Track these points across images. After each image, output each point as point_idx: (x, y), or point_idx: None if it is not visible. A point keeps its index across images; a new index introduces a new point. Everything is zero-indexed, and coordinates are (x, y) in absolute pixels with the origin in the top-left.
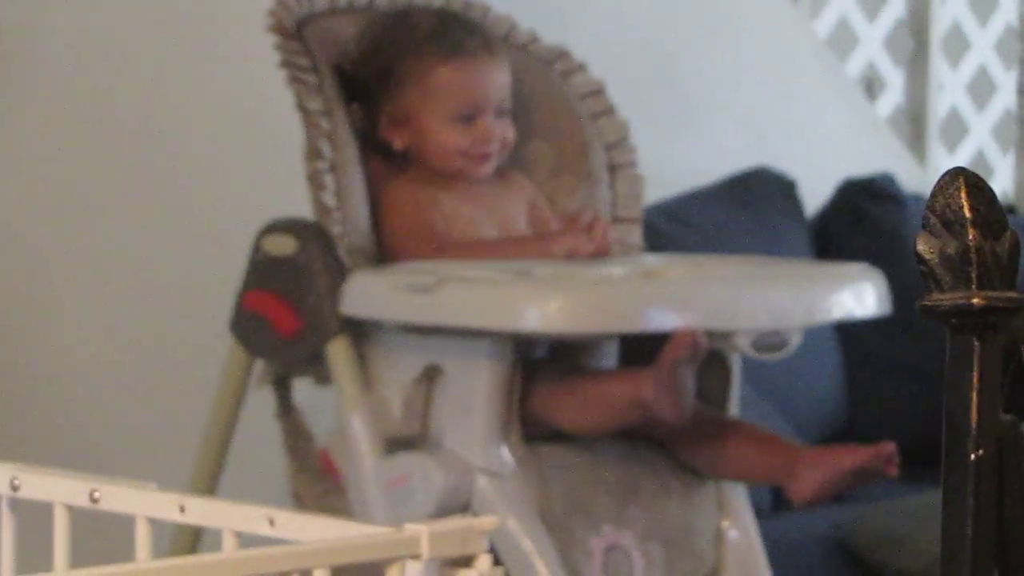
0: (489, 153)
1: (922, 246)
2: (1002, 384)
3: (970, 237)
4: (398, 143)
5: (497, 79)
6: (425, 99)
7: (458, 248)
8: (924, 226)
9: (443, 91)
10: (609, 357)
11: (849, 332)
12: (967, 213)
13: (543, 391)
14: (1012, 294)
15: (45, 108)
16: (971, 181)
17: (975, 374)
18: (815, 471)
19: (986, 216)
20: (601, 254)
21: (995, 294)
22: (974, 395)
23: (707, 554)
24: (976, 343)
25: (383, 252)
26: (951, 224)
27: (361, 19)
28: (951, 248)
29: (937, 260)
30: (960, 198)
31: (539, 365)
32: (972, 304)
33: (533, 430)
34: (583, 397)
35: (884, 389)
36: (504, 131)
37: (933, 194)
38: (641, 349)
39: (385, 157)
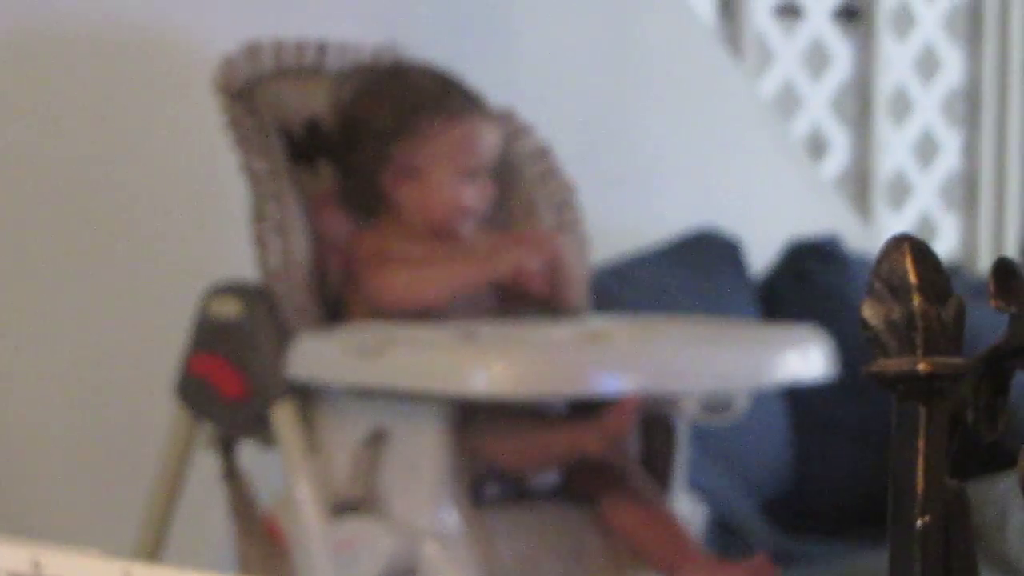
0: (482, 209)
1: (868, 312)
2: (948, 450)
3: (915, 303)
4: (400, 195)
5: (495, 140)
6: (438, 156)
7: (408, 265)
8: (869, 292)
9: (455, 149)
10: (558, 409)
11: (796, 394)
12: (912, 279)
13: (484, 428)
14: (958, 360)
15: None
16: (916, 247)
17: (921, 440)
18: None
19: (931, 282)
20: (551, 262)
21: (941, 360)
22: (920, 460)
23: None
24: (922, 409)
25: (328, 309)
26: (896, 290)
27: (314, 81)
28: (896, 314)
29: (883, 326)
30: (905, 264)
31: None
32: (918, 370)
33: (477, 477)
34: (524, 442)
35: (831, 450)
36: (493, 189)
37: (878, 260)
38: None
39: (361, 212)
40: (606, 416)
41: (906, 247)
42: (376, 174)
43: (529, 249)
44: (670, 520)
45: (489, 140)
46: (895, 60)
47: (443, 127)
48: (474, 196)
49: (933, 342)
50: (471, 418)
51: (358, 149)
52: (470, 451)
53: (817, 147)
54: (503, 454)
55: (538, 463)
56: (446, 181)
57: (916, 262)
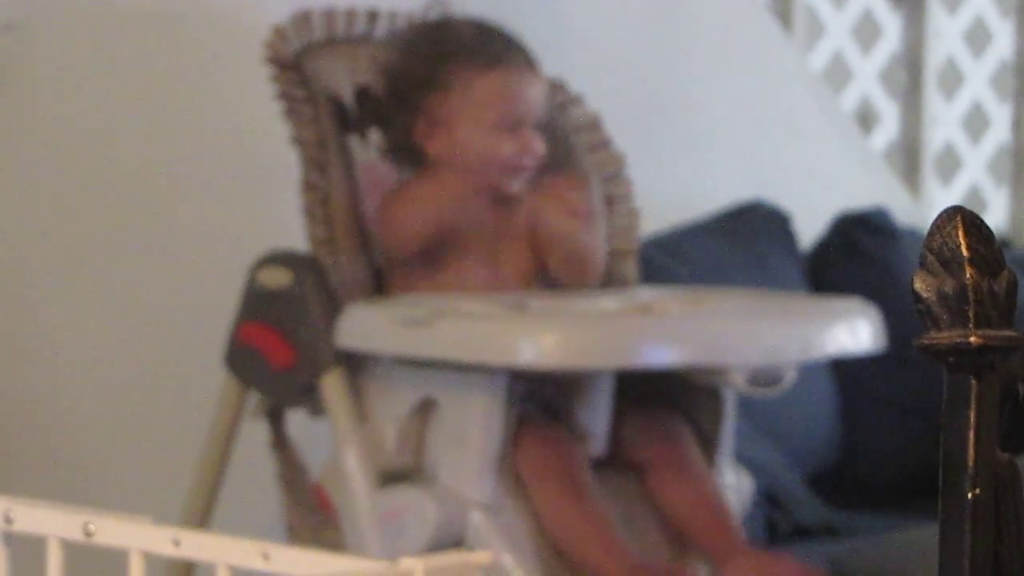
0: (527, 166)
1: (919, 284)
2: (999, 422)
3: (967, 276)
4: (432, 148)
5: (538, 93)
6: (469, 105)
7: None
8: (921, 264)
9: (488, 99)
10: (602, 406)
11: (844, 366)
12: (964, 252)
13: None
14: (1009, 332)
15: (41, 143)
16: (969, 219)
17: (972, 413)
18: (749, 570)
19: (984, 255)
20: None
21: (992, 333)
22: (971, 434)
23: None
24: (973, 382)
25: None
26: (948, 263)
27: (364, 49)
28: (948, 287)
29: (934, 299)
30: (958, 237)
31: (525, 420)
32: (969, 343)
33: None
34: (570, 528)
35: (879, 423)
36: (540, 145)
37: (930, 232)
38: (635, 382)
39: (400, 166)
40: None
41: (958, 220)
42: (411, 127)
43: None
44: (718, 502)
45: (530, 92)
46: (945, 33)
47: (476, 76)
48: (514, 149)
49: (985, 315)
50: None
51: (397, 104)
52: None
53: (866, 120)
54: (552, 528)
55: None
56: (479, 132)
57: (968, 235)
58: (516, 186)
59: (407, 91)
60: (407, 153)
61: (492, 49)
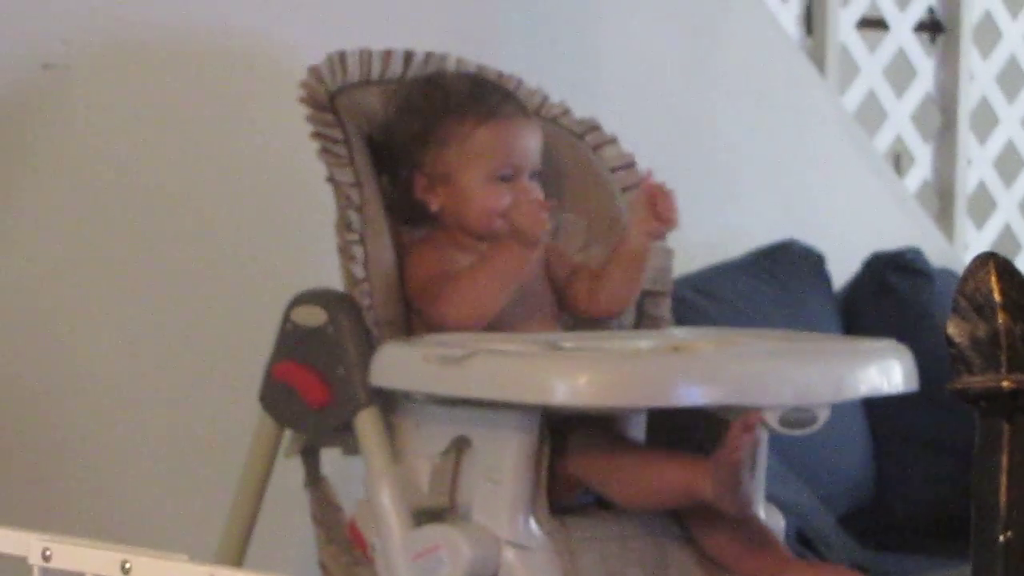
0: None
1: (952, 329)
2: None
3: (1000, 321)
4: (434, 204)
5: (532, 142)
6: (465, 159)
7: (447, 290)
8: (954, 310)
9: (483, 151)
10: (638, 422)
11: (876, 406)
12: (997, 297)
13: (583, 456)
14: None
15: (72, 179)
16: (1001, 266)
17: (1004, 456)
18: None
19: (1016, 300)
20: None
21: None
22: (1003, 477)
23: None
24: (1006, 426)
25: (408, 320)
26: (981, 308)
27: (389, 90)
28: (981, 331)
29: (967, 343)
30: (990, 282)
31: (571, 425)
32: (1002, 387)
33: (563, 493)
34: (634, 474)
35: (911, 463)
36: (537, 193)
37: (963, 278)
38: (669, 418)
39: (410, 223)
40: (719, 452)
41: (991, 265)
42: (411, 183)
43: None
44: (758, 524)
45: (525, 142)
46: (979, 74)
47: (472, 129)
48: (510, 199)
49: (1017, 360)
50: (563, 445)
51: (396, 161)
52: (566, 480)
53: (900, 160)
54: (612, 487)
55: (649, 500)
56: (477, 184)
57: (1001, 280)
58: None
59: (405, 147)
60: (409, 207)
61: (487, 101)
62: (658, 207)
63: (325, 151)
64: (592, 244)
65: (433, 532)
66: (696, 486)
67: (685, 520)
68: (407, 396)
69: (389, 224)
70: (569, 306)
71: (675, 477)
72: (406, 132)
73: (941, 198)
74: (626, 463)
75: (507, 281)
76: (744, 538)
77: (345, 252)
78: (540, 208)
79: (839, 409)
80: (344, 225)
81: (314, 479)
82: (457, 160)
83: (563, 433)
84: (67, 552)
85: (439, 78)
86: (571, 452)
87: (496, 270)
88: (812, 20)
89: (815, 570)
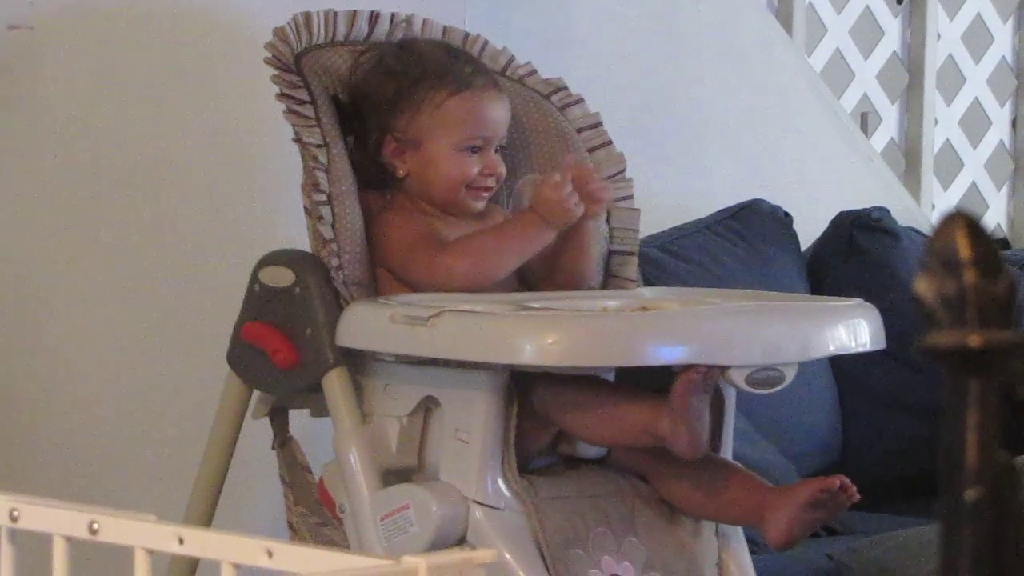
0: (489, 187)
1: (921, 286)
2: (998, 423)
3: (968, 278)
4: (401, 170)
5: (503, 114)
6: (437, 127)
7: (459, 243)
8: (922, 267)
9: (456, 120)
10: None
11: (843, 365)
12: (966, 254)
13: (552, 392)
14: (1009, 334)
15: (45, 141)
16: (969, 222)
17: (972, 414)
18: (780, 512)
19: (984, 257)
20: (598, 201)
21: (992, 334)
22: (971, 435)
23: None
24: (974, 383)
25: (376, 283)
26: (949, 265)
27: (357, 50)
28: (949, 288)
29: (935, 300)
30: (959, 239)
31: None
32: (970, 344)
33: (531, 444)
34: (599, 413)
35: (878, 422)
36: (502, 167)
37: (932, 235)
38: (635, 375)
39: (371, 187)
40: (673, 385)
41: (960, 222)
42: (380, 145)
43: (556, 191)
44: (722, 465)
45: (495, 114)
46: (945, 34)
47: (445, 97)
48: (478, 170)
49: (985, 316)
50: (533, 382)
51: (365, 122)
52: (535, 415)
53: (867, 120)
54: (577, 424)
55: (612, 438)
56: (446, 152)
57: (970, 237)
58: (479, 206)
59: (376, 110)
60: (374, 169)
61: (460, 71)
62: (588, 187)
63: (291, 112)
64: None
65: (401, 492)
66: (653, 425)
67: (648, 475)
68: (375, 356)
69: (357, 185)
70: (528, 280)
71: (636, 416)
72: (379, 95)
73: (908, 157)
74: (591, 399)
75: (524, 252)
76: (706, 481)
77: (313, 213)
78: (572, 196)
79: (806, 368)
80: (311, 186)
81: (282, 440)
82: (428, 127)
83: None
84: (34, 512)
85: (414, 43)
86: (538, 389)
87: (519, 237)
88: None
89: (787, 494)
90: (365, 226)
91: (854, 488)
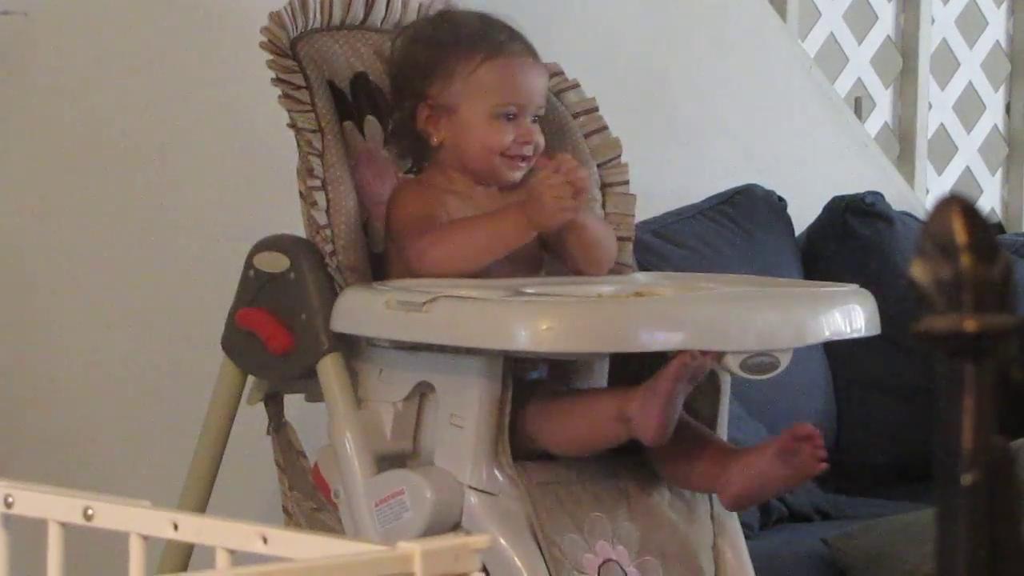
0: (526, 156)
1: (916, 271)
2: (994, 408)
3: (964, 262)
4: (435, 137)
5: (539, 83)
6: (471, 93)
7: (438, 230)
8: (918, 251)
9: (489, 86)
10: (601, 378)
11: (837, 349)
12: (962, 238)
13: (534, 411)
14: (1005, 318)
15: (38, 126)
16: (965, 206)
17: (968, 398)
18: (742, 472)
19: (980, 241)
20: (580, 192)
21: (988, 318)
22: (967, 419)
23: (706, 569)
24: (969, 368)
25: (384, 255)
26: (945, 249)
27: (361, 36)
28: (944, 273)
29: (931, 285)
30: (954, 223)
31: (533, 387)
32: (965, 328)
33: (524, 451)
34: (570, 415)
35: (872, 407)
36: (539, 136)
37: (928, 219)
38: (631, 368)
39: (406, 157)
40: (655, 379)
41: (955, 206)
42: (414, 113)
43: (551, 181)
44: (706, 438)
45: (531, 81)
46: (939, 18)
47: (479, 64)
48: (513, 138)
49: (981, 301)
50: (522, 406)
51: (400, 91)
52: (523, 439)
53: (860, 104)
54: (551, 435)
55: (584, 438)
56: (481, 119)
57: (965, 221)
58: (517, 175)
59: (411, 78)
60: (409, 140)
61: (495, 38)
62: (569, 179)
63: (286, 97)
64: None
65: (396, 477)
66: (624, 407)
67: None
68: (370, 342)
69: (351, 170)
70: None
71: (605, 404)
72: (413, 63)
73: (901, 142)
74: (565, 404)
75: (499, 248)
76: (691, 450)
77: (307, 198)
78: (566, 194)
79: (800, 353)
80: (306, 171)
81: (277, 425)
82: (462, 93)
83: (524, 395)
84: (29, 498)
85: (449, 13)
86: (526, 412)
87: (494, 233)
88: None
89: (757, 452)
90: (367, 208)
91: (821, 440)
